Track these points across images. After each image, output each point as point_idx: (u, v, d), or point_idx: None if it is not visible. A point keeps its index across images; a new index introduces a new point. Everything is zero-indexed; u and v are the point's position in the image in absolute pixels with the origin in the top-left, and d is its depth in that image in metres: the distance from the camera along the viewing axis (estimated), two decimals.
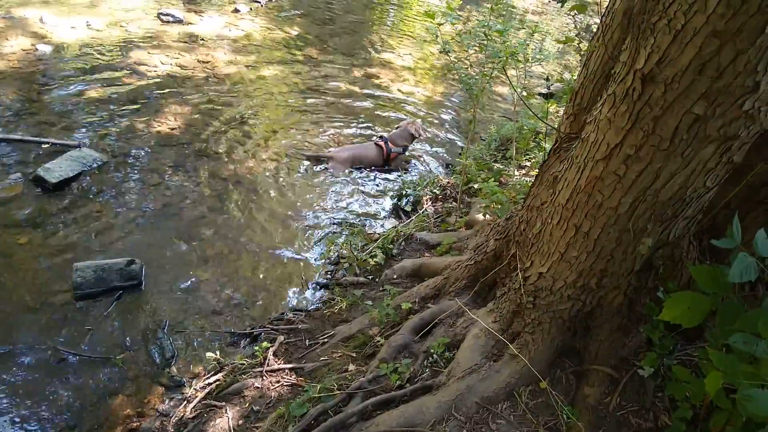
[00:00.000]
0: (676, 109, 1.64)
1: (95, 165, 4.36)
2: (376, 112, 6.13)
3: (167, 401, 2.82)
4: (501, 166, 4.59)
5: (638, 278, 2.26)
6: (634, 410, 2.20)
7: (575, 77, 5.06)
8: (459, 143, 5.81)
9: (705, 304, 1.81)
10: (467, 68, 3.58)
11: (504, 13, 3.69)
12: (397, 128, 5.16)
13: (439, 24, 3.35)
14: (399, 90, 6.67)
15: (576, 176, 2.04)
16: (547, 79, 3.95)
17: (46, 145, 4.52)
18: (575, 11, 2.57)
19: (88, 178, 4.24)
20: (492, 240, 2.91)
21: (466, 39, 3.72)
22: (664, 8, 1.54)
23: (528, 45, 4.03)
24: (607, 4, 2.32)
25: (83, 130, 4.85)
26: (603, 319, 2.29)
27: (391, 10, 10.00)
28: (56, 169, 4.11)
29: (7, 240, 3.66)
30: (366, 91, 6.53)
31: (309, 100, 6.09)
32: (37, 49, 5.94)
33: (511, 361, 2.34)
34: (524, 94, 4.30)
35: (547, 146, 4.50)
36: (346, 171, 4.89)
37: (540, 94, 6.35)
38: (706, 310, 1.81)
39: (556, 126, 2.62)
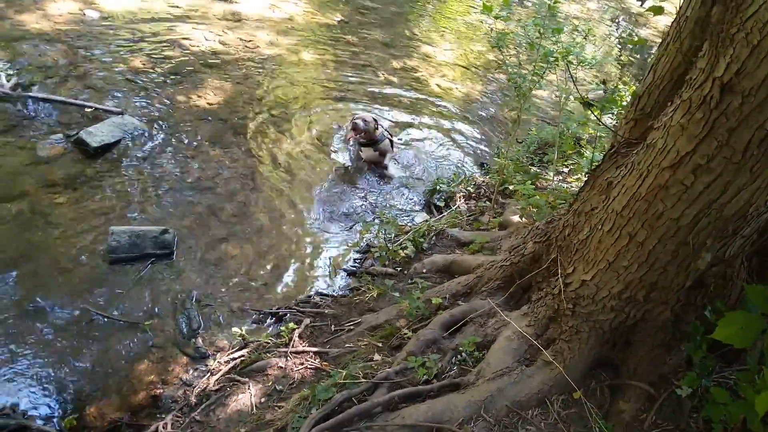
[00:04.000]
0: (751, 122, 1.59)
1: (135, 133, 4.42)
2: (412, 104, 6.07)
3: (191, 371, 2.84)
4: (538, 170, 4.49)
5: (687, 295, 2.19)
6: (669, 429, 2.13)
7: (619, 85, 4.92)
8: (494, 142, 5.71)
9: (758, 325, 1.76)
10: (518, 66, 3.48)
11: (557, 13, 3.58)
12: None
13: (496, 17, 3.26)
14: (437, 85, 6.59)
15: (636, 183, 1.96)
16: (604, 83, 3.83)
17: (89, 110, 4.59)
18: (618, 17, 2.48)
19: (128, 144, 4.30)
20: (531, 242, 2.84)
21: (517, 36, 3.63)
22: (742, 22, 1.50)
23: (583, 47, 3.91)
24: (678, 10, 2.23)
25: (125, 97, 4.91)
26: (646, 334, 2.22)
27: (431, 4, 9.89)
28: (98, 134, 4.17)
29: (45, 199, 3.73)
30: (404, 82, 6.46)
31: (346, 87, 6.06)
32: (84, 14, 6.03)
33: (544, 367, 2.28)
34: (571, 98, 4.20)
35: (588, 153, 4.39)
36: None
37: (581, 101, 6.19)
38: (759, 331, 1.76)
39: (613, 130, 2.53)
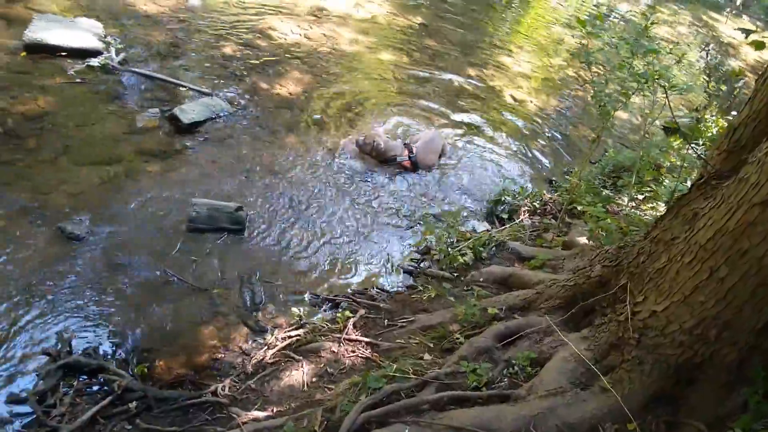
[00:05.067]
0: None
1: (222, 114, 4.72)
2: (483, 112, 6.03)
3: (250, 342, 3.01)
4: (610, 194, 4.34)
5: (757, 337, 2.06)
6: None
7: (707, 115, 4.64)
8: (565, 160, 5.56)
9: None
10: (604, 84, 3.39)
11: (650, 35, 3.44)
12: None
13: (589, 33, 3.20)
14: (512, 96, 6.51)
15: (724, 217, 1.87)
16: (697, 110, 3.64)
17: (183, 89, 4.96)
18: (708, 45, 2.37)
19: (215, 123, 4.60)
20: (598, 265, 2.76)
21: (606, 54, 3.53)
22: None
23: (675, 71, 3.74)
24: None
25: (215, 80, 5.25)
26: (712, 373, 2.11)
27: (513, 12, 9.75)
28: (189, 111, 4.50)
29: (138, 166, 4.07)
30: (478, 90, 6.44)
31: (421, 89, 6.13)
32: (187, 1, 6.51)
33: (600, 393, 2.22)
34: (655, 123, 4.02)
35: (668, 182, 4.19)
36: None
37: (664, 128, 5.90)
38: None
39: (705, 159, 2.42)
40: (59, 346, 2.70)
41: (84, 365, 2.62)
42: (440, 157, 4.90)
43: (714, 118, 4.62)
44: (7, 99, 4.24)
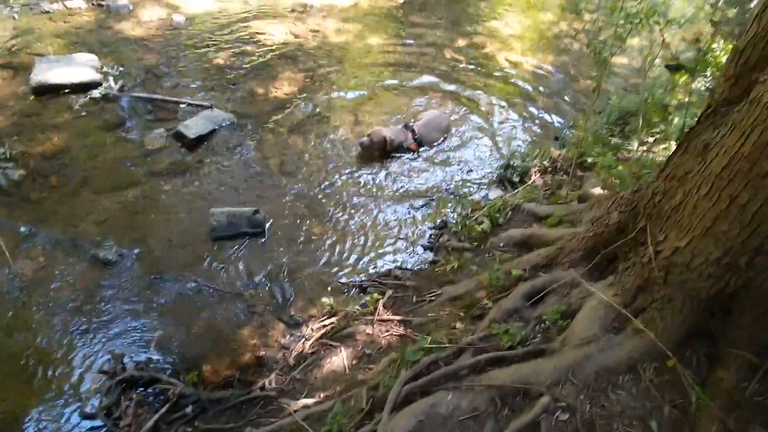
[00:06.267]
0: None
1: (224, 124, 4.81)
2: (480, 80, 5.99)
3: (288, 336, 3.13)
4: (619, 141, 4.30)
5: None
6: None
7: (713, 45, 4.51)
8: (570, 115, 5.51)
9: None
10: (597, 30, 3.35)
11: None
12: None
13: None
14: (506, 59, 6.44)
15: (738, 142, 1.86)
16: (698, 41, 3.56)
17: (183, 105, 5.06)
18: None
19: (220, 134, 4.70)
20: (615, 212, 2.77)
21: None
22: None
23: (669, 6, 3.67)
24: None
25: (212, 92, 5.34)
26: (749, 302, 2.11)
27: None
28: (193, 126, 4.60)
29: (154, 186, 4.20)
30: (471, 59, 6.39)
31: (414, 68, 6.10)
32: (172, 19, 6.57)
33: (634, 335, 2.25)
34: (656, 63, 3.96)
35: (677, 120, 4.12)
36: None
37: (667, 66, 5.76)
38: None
39: (710, 90, 2.39)
40: (113, 363, 2.87)
41: (138, 378, 2.78)
42: (445, 134, 4.90)
43: (722, 46, 4.47)
44: (26, 142, 4.43)
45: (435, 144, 4.82)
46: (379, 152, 4.61)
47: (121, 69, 5.49)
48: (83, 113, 4.84)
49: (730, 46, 4.42)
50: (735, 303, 2.15)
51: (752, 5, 6.31)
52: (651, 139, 4.32)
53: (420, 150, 4.75)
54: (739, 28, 5.60)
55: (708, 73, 4.04)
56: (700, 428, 1.97)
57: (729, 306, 2.17)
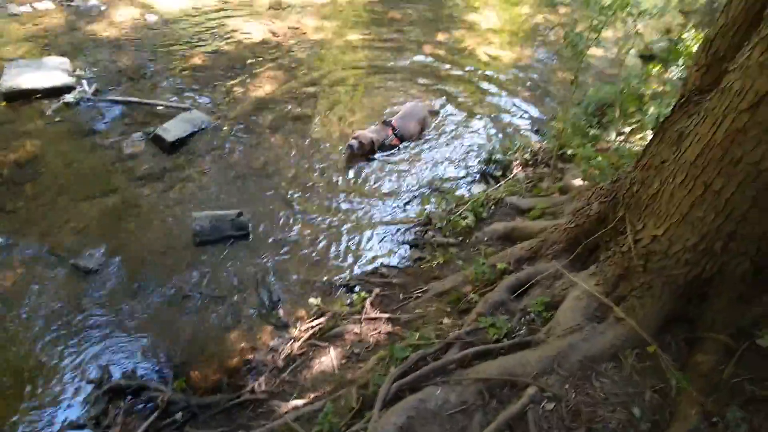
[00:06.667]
0: None
1: (204, 126, 4.74)
2: (460, 76, 6.02)
3: (276, 338, 3.12)
4: (598, 132, 4.37)
5: None
6: (749, 380, 2.11)
7: (684, 34, 4.61)
8: (549, 107, 5.57)
9: None
10: (573, 23, 3.38)
11: None
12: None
13: None
14: (485, 53, 6.47)
15: (710, 130, 1.91)
16: (668, 32, 3.62)
17: (161, 107, 4.97)
18: None
19: (199, 137, 4.63)
20: (595, 203, 2.82)
21: None
22: None
23: None
24: None
25: (190, 93, 5.26)
26: (724, 287, 2.18)
27: None
28: (172, 129, 4.53)
29: (134, 191, 4.13)
30: (450, 54, 6.40)
31: (393, 64, 6.10)
32: (145, 19, 6.44)
33: (616, 324, 2.31)
34: (631, 53, 4.02)
35: (653, 110, 4.21)
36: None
37: (641, 56, 5.87)
38: None
39: (683, 80, 2.45)
40: (100, 372, 2.83)
41: (126, 387, 2.75)
42: (422, 128, 4.91)
43: (693, 34, 4.56)
44: None
45: (416, 136, 4.83)
46: (367, 154, 4.60)
47: (94, 71, 5.36)
48: (57, 119, 4.72)
49: (701, 36, 4.54)
50: (711, 288, 2.21)
51: None
52: (628, 129, 4.40)
53: (401, 145, 4.76)
54: (709, 18, 5.75)
55: (680, 63, 4.13)
56: (680, 412, 2.02)
57: (705, 291, 2.23)
